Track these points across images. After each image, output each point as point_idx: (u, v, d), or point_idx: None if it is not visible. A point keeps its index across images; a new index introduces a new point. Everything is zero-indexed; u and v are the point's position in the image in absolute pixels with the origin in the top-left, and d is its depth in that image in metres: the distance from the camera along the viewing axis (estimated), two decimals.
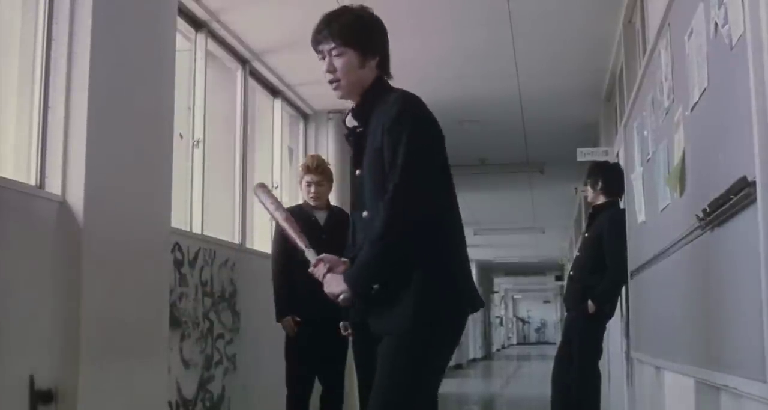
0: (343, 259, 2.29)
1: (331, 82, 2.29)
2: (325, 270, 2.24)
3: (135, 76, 3.63)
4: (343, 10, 2.32)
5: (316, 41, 2.29)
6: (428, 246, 2.18)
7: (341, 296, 2.19)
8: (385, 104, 2.25)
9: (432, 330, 2.17)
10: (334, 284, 2.20)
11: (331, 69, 2.27)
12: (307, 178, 4.40)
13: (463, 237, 2.34)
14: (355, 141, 2.33)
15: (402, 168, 2.14)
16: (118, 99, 3.46)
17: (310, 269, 2.28)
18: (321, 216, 4.39)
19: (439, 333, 2.20)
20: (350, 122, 2.34)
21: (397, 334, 2.17)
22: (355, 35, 2.26)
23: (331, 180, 4.52)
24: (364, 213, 2.27)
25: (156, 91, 3.80)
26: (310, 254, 2.31)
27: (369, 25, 2.30)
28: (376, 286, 2.18)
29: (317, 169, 4.39)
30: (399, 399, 2.19)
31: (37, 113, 3.19)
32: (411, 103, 2.26)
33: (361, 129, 2.30)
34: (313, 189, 4.38)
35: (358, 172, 2.31)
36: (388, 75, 2.37)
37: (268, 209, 2.44)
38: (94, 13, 3.26)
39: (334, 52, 2.25)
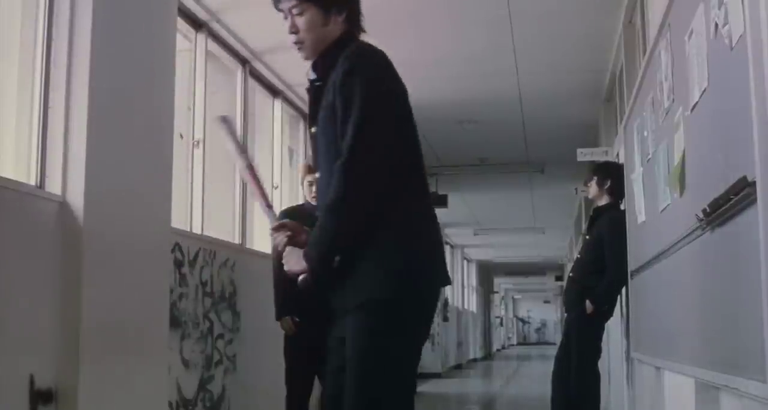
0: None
1: (295, 43, 2.12)
2: (286, 239, 2.08)
3: (135, 76, 3.63)
4: None
5: (277, 1, 2.12)
6: (392, 208, 1.99)
7: (300, 278, 2.02)
8: (338, 63, 2.06)
9: (402, 301, 1.97)
10: (294, 261, 2.03)
11: (294, 29, 2.10)
12: (309, 178, 4.35)
13: (429, 203, 2.14)
14: (312, 96, 2.15)
15: (355, 127, 1.96)
16: (118, 99, 3.46)
17: (270, 234, 2.13)
18: None
19: (410, 306, 1.99)
20: (310, 73, 2.15)
21: (364, 308, 1.97)
22: None
23: None
24: (317, 174, 2.12)
25: (156, 91, 3.80)
26: (270, 216, 2.14)
27: None
28: (337, 258, 1.96)
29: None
30: (371, 386, 1.96)
31: (37, 113, 3.19)
32: (364, 56, 2.06)
33: (319, 83, 2.12)
34: (314, 188, 4.35)
35: (313, 129, 2.13)
36: (359, 30, 2.18)
37: (231, 149, 2.19)
38: (94, 13, 3.26)
39: (294, 11, 2.09)
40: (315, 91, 2.13)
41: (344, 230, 1.96)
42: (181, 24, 4.76)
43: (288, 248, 2.07)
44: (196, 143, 4.99)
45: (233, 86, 5.74)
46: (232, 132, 2.23)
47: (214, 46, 5.31)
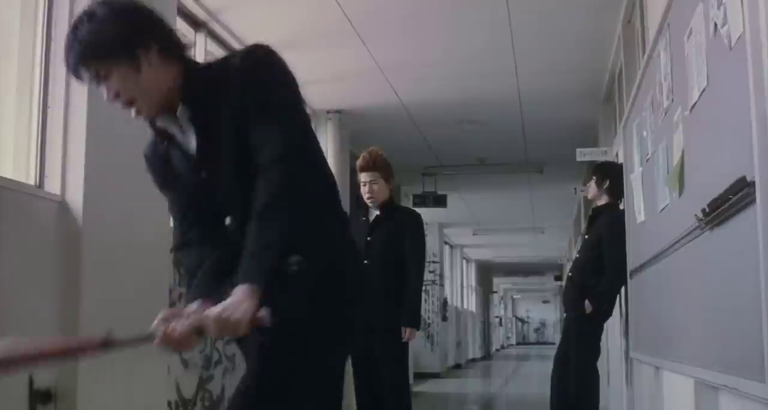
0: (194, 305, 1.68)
1: (127, 106, 1.81)
2: (189, 320, 1.62)
3: None
4: (76, 24, 1.77)
5: (76, 75, 1.80)
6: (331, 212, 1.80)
7: (261, 315, 1.52)
8: (223, 75, 1.76)
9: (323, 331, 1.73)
10: (236, 308, 1.53)
11: (112, 95, 1.78)
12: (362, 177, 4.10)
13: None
14: (199, 139, 1.81)
15: (282, 116, 1.69)
16: None
17: (156, 343, 1.68)
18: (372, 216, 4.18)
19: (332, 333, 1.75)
20: (174, 123, 1.85)
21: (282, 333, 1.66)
22: (104, 46, 1.73)
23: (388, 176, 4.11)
24: (227, 220, 1.82)
25: None
26: (134, 341, 1.74)
27: (113, 23, 1.74)
28: (295, 258, 1.61)
29: (375, 165, 4.03)
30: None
31: (36, 113, 3.19)
32: (260, 50, 1.77)
33: (197, 125, 1.80)
34: (367, 188, 4.07)
35: (204, 174, 1.81)
36: (183, 49, 1.85)
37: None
38: None
39: (101, 75, 1.76)
40: (200, 131, 1.80)
41: (290, 232, 1.61)
42: (181, 24, 4.76)
43: (215, 310, 1.56)
44: None
45: None
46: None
47: (213, 46, 5.31)
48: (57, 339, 1.72)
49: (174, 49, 1.81)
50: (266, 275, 1.57)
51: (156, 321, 1.68)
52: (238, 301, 1.55)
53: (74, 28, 1.76)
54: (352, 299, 1.80)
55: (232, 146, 1.75)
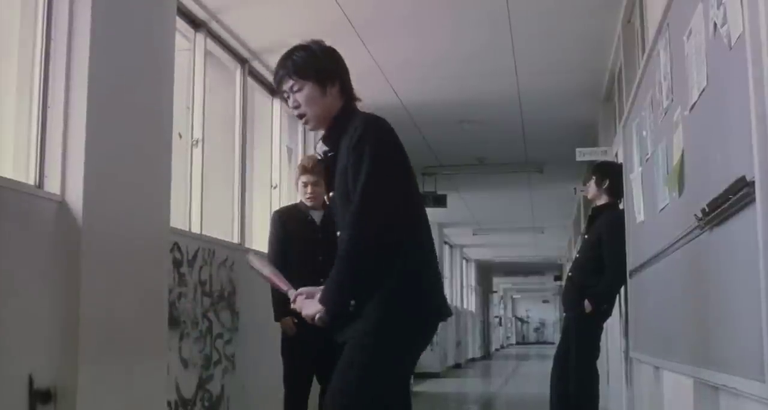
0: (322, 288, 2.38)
1: (299, 116, 2.42)
2: (302, 298, 2.37)
3: (134, 76, 3.63)
4: (294, 48, 2.45)
5: (278, 83, 2.43)
6: (394, 262, 2.26)
7: (316, 317, 2.29)
8: (346, 131, 2.34)
9: (390, 341, 2.26)
10: (310, 307, 2.31)
11: (296, 105, 2.40)
12: (304, 178, 4.41)
13: (431, 250, 2.41)
14: (327, 165, 2.45)
15: (363, 186, 2.23)
16: (117, 98, 3.46)
17: (292, 306, 2.40)
18: (317, 216, 4.40)
19: (396, 345, 2.29)
20: (321, 147, 2.48)
21: (357, 342, 2.26)
22: (309, 68, 2.38)
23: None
24: (338, 233, 2.36)
25: (155, 91, 3.80)
26: (291, 294, 2.43)
27: (320, 57, 2.42)
28: (353, 302, 2.24)
29: (313, 169, 4.39)
30: (348, 402, 2.24)
31: (36, 113, 3.19)
32: (373, 124, 2.34)
33: (332, 153, 2.41)
34: (309, 189, 4.38)
35: (331, 194, 2.43)
36: (353, 98, 2.47)
37: (261, 273, 2.61)
38: (93, 12, 3.26)
39: (295, 88, 2.38)
40: (328, 160, 2.42)
41: (357, 277, 2.24)
42: (180, 24, 4.76)
43: (303, 300, 2.36)
44: (194, 142, 4.99)
45: (232, 86, 5.74)
46: (260, 261, 2.62)
47: (213, 46, 5.31)
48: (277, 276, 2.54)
49: (347, 91, 2.44)
50: (331, 306, 2.27)
51: (297, 292, 2.39)
52: (311, 303, 2.32)
53: (290, 51, 2.43)
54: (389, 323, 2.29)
55: (339, 183, 2.34)
